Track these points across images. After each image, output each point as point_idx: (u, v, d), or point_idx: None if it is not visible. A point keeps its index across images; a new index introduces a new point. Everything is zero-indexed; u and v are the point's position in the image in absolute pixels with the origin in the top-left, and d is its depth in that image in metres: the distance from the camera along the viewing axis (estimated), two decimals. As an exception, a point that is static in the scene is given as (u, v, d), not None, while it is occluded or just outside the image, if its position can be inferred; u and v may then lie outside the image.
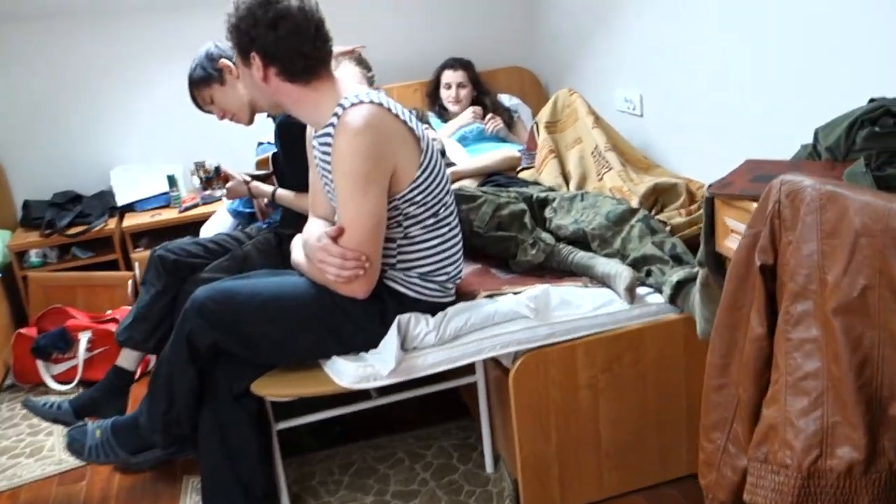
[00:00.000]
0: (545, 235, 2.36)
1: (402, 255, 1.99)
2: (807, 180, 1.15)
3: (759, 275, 1.23)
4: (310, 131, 2.07)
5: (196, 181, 3.68)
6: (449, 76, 3.80)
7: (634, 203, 2.62)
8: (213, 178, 2.67)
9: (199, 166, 3.46)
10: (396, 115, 1.87)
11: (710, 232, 1.79)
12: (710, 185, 1.75)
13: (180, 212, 3.60)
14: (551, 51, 4.02)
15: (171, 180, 3.66)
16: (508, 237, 2.33)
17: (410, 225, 1.96)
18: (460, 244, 2.10)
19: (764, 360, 1.26)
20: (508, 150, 3.10)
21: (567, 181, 3.02)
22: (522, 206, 2.40)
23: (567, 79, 3.88)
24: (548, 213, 2.56)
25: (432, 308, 2.05)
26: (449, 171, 2.92)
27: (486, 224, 2.34)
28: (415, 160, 1.89)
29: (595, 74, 3.62)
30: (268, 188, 2.63)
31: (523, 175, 3.20)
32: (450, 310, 2.05)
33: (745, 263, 1.27)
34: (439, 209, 1.98)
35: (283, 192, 2.57)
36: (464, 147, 3.62)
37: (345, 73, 3.64)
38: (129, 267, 3.49)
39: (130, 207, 3.67)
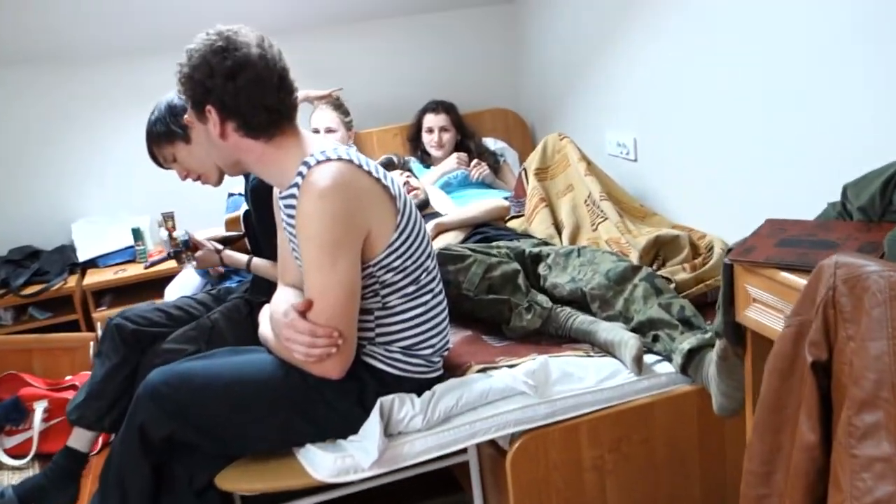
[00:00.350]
0: (541, 298, 2.16)
1: (380, 328, 1.77)
2: (870, 265, 0.95)
3: (811, 372, 1.03)
4: (276, 192, 1.86)
5: (164, 233, 3.45)
6: (431, 120, 3.62)
7: (634, 257, 2.43)
8: (182, 252, 2.44)
9: (168, 217, 3.23)
10: (368, 172, 1.67)
11: (728, 300, 1.59)
12: (729, 250, 1.56)
13: (146, 267, 3.36)
14: (538, 92, 3.86)
15: (137, 233, 3.43)
16: (501, 300, 2.12)
17: (388, 294, 1.75)
18: (446, 312, 1.89)
19: (817, 473, 1.05)
20: (497, 200, 2.91)
21: (559, 231, 2.83)
22: (515, 265, 2.20)
23: (555, 121, 3.72)
24: (542, 269, 2.36)
25: (418, 386, 1.83)
26: (434, 222, 2.74)
27: (477, 287, 2.13)
28: (391, 221, 1.69)
29: (585, 117, 3.45)
30: (242, 257, 2.40)
31: (513, 224, 3.01)
32: (438, 388, 1.83)
33: (790, 357, 1.07)
34: (420, 275, 1.77)
35: (258, 262, 2.33)
36: (447, 194, 3.44)
37: (321, 118, 3.47)
38: (91, 328, 3.25)
39: (93, 263, 3.43)
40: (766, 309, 1.46)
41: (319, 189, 1.59)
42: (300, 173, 1.65)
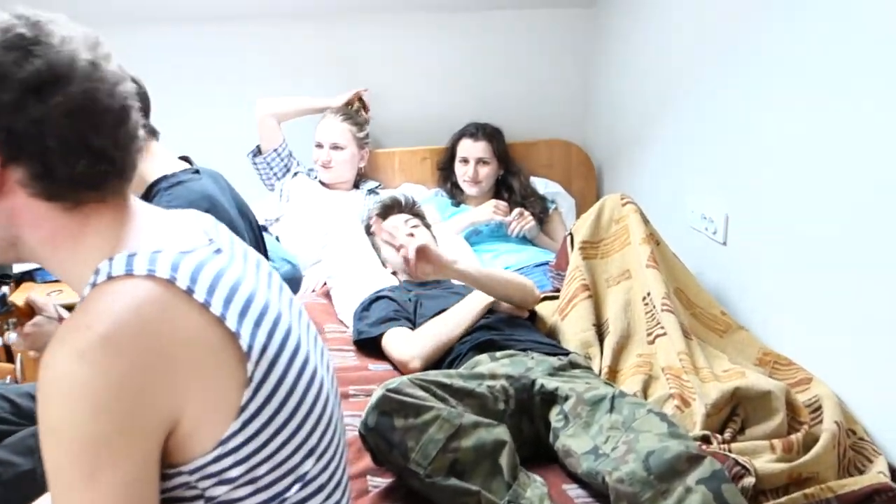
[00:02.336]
0: (532, 495, 1.36)
1: None
2: None
3: None
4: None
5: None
6: (468, 148, 2.84)
7: (696, 414, 1.61)
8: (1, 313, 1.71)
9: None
10: (205, 305, 0.91)
11: None
12: None
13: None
14: (611, 124, 3.01)
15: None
16: (466, 492, 1.34)
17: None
18: None
19: None
20: (526, 282, 2.10)
21: (601, 337, 2.02)
22: (500, 434, 1.42)
23: (628, 166, 2.87)
24: (554, 419, 1.58)
25: None
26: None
27: (432, 463, 1.35)
28: (230, 399, 0.91)
29: (665, 168, 2.60)
30: None
31: (543, 310, 2.21)
32: None
33: None
34: (290, 486, 1.00)
35: None
36: (472, 245, 2.66)
37: (327, 131, 2.69)
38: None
39: (29, 276, 2.80)
40: None
41: (86, 339, 0.85)
42: (92, 283, 0.92)
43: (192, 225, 1.07)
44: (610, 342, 1.98)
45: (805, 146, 1.84)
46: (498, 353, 1.81)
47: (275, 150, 2.77)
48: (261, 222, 2.52)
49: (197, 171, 1.55)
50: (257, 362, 0.93)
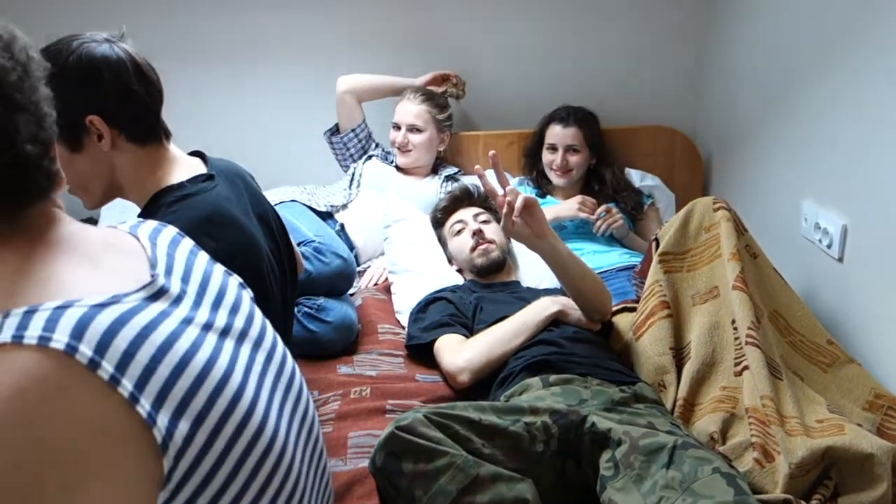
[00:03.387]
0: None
1: None
2: None
3: None
4: None
5: None
6: (557, 134, 2.59)
7: (780, 472, 1.36)
8: None
9: None
10: (111, 384, 0.72)
11: None
12: None
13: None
14: (722, 114, 2.68)
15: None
16: (476, 556, 1.15)
17: None
18: None
19: None
20: (603, 291, 1.85)
21: (680, 362, 1.76)
22: (524, 489, 1.21)
23: (738, 161, 2.55)
24: (603, 466, 1.35)
25: None
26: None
27: (439, 519, 1.17)
28: (142, 498, 0.75)
29: (779, 168, 2.27)
30: None
31: (620, 321, 1.97)
32: None
33: None
34: None
35: None
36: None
37: (405, 112, 2.53)
38: None
39: None
40: None
41: None
42: None
43: (133, 253, 0.88)
44: (690, 370, 1.72)
45: None
46: (552, 378, 1.59)
47: (352, 131, 2.63)
48: (324, 209, 2.39)
49: (211, 177, 1.38)
50: (178, 457, 0.75)
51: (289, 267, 1.55)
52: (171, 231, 0.99)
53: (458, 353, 1.76)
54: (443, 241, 2.24)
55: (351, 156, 2.65)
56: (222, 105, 2.79)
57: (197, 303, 0.88)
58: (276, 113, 2.82)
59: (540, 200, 2.57)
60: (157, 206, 1.32)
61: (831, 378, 1.73)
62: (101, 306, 0.75)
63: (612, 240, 2.50)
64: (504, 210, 1.64)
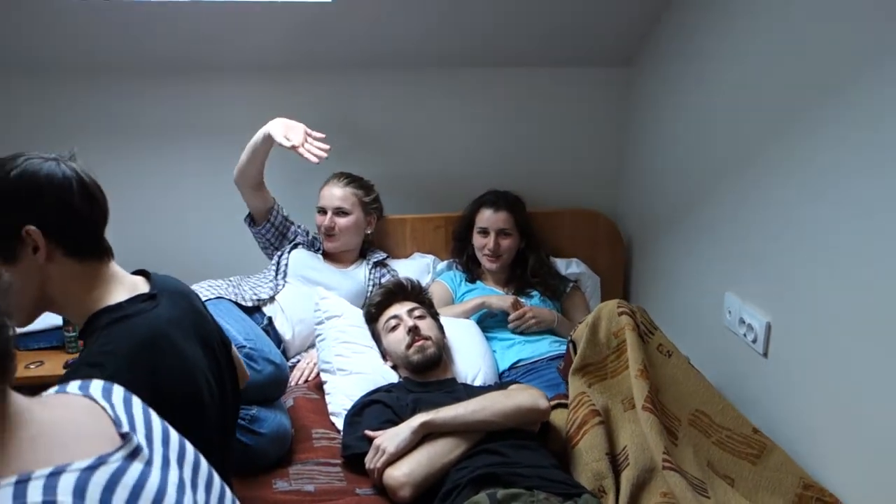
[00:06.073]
0: None
1: None
2: None
3: None
4: None
5: None
6: (488, 218, 2.61)
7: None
8: None
9: None
10: None
11: None
12: None
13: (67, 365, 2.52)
14: (642, 198, 2.76)
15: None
16: None
17: None
18: None
19: None
20: (532, 396, 1.85)
21: (616, 467, 1.77)
22: None
23: (661, 244, 2.62)
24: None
25: None
26: (420, 419, 1.77)
27: None
28: None
29: (701, 256, 2.34)
30: None
31: (556, 418, 1.97)
32: None
33: None
34: None
35: None
36: (485, 331, 2.43)
37: (329, 196, 2.47)
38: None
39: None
40: None
41: None
42: None
43: (94, 416, 0.88)
44: (629, 476, 1.73)
45: (868, 248, 1.58)
46: (500, 493, 1.57)
47: (267, 221, 2.52)
48: (250, 304, 2.31)
49: (152, 297, 1.32)
50: None
51: (231, 385, 1.49)
52: (119, 389, 0.98)
53: (397, 465, 1.72)
54: (376, 337, 2.20)
55: (271, 243, 2.57)
56: (140, 193, 2.69)
57: (166, 461, 0.89)
58: (195, 201, 2.74)
59: (469, 286, 2.60)
60: (92, 328, 1.27)
61: (761, 470, 1.78)
62: (91, 469, 0.77)
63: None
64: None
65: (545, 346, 2.41)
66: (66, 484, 0.74)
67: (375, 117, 2.76)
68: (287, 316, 2.34)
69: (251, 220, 2.54)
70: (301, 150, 2.25)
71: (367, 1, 2.35)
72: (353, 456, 1.83)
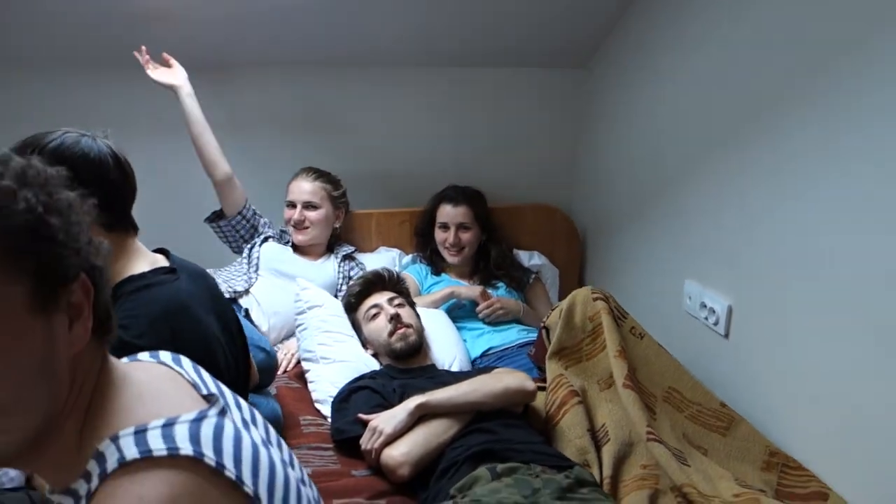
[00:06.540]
0: None
1: None
2: None
3: None
4: None
5: None
6: (448, 213, 2.68)
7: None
8: None
9: None
10: (238, 483, 0.80)
11: None
12: None
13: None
14: (596, 194, 2.91)
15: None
16: None
17: None
18: None
19: None
20: (519, 379, 1.93)
21: (597, 443, 1.86)
22: None
23: (615, 237, 2.76)
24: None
25: None
26: (416, 401, 1.82)
27: None
28: None
29: (656, 247, 2.49)
30: None
31: (539, 403, 2.05)
32: None
33: None
34: None
35: None
36: (454, 321, 2.50)
37: (298, 189, 2.50)
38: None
39: None
40: None
41: None
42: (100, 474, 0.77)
43: (174, 380, 0.93)
44: (610, 450, 1.83)
45: (820, 231, 1.73)
46: (499, 467, 1.64)
47: (239, 213, 2.52)
48: (227, 295, 2.32)
49: (172, 270, 1.37)
50: None
51: (243, 366, 1.53)
52: (185, 358, 1.02)
53: (395, 446, 1.77)
54: (357, 326, 2.24)
55: (242, 237, 2.57)
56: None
57: (244, 422, 0.93)
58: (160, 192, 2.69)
59: (434, 279, 2.67)
60: (117, 294, 1.31)
61: (731, 441, 1.91)
62: (198, 420, 0.81)
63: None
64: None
65: (514, 335, 2.50)
66: (182, 433, 0.78)
67: (341, 115, 2.80)
68: (263, 309, 2.36)
69: (220, 213, 2.53)
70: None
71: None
72: (345, 440, 1.86)
